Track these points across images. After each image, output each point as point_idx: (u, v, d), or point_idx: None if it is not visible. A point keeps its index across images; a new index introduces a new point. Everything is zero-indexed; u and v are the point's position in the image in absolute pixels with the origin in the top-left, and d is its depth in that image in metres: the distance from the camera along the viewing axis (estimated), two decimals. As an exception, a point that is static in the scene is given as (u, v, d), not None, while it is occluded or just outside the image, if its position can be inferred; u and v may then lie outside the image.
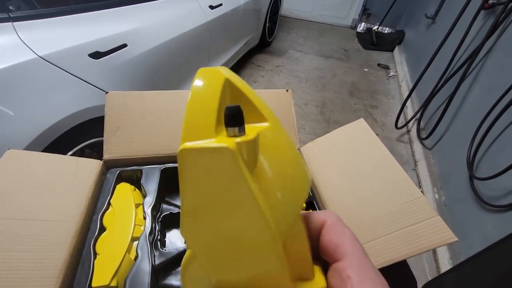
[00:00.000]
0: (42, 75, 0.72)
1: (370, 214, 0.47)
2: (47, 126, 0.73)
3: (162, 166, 0.53)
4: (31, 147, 0.69)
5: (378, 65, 2.82)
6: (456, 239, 0.40)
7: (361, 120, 0.64)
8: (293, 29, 3.52)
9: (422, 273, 1.10)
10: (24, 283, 0.32)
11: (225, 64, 1.76)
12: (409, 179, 0.49)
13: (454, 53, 1.48)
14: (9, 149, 0.44)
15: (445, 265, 1.07)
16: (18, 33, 0.69)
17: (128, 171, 0.52)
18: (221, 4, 1.53)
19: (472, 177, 1.08)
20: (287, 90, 0.75)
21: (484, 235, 0.95)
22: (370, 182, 0.52)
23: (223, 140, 0.12)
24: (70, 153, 0.82)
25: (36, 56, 0.71)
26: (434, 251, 1.18)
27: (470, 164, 1.11)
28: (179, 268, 0.25)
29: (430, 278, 1.07)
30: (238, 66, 2.36)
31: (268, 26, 2.57)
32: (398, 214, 0.45)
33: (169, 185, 0.54)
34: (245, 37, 2.09)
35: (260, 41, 2.59)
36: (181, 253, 0.43)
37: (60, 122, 0.75)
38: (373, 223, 0.46)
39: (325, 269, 0.17)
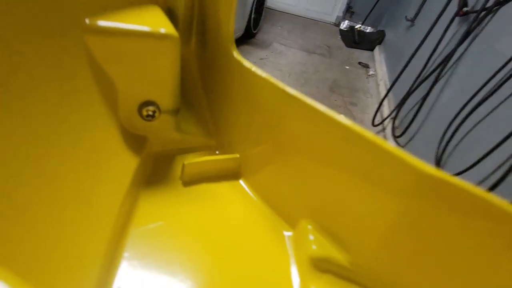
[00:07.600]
0: None
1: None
2: None
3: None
4: None
5: (359, 63, 2.90)
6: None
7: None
8: (278, 22, 3.51)
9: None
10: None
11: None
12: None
13: (429, 56, 1.55)
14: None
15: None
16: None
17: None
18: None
19: (439, 173, 1.16)
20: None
21: (446, 227, 1.03)
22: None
23: None
24: None
25: None
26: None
27: (438, 161, 1.19)
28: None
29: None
30: (221, 56, 2.32)
31: (253, 17, 2.55)
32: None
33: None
34: (230, 27, 2.06)
35: (245, 32, 2.56)
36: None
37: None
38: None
39: None
